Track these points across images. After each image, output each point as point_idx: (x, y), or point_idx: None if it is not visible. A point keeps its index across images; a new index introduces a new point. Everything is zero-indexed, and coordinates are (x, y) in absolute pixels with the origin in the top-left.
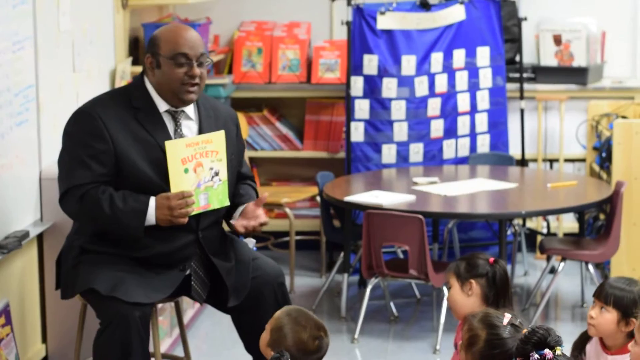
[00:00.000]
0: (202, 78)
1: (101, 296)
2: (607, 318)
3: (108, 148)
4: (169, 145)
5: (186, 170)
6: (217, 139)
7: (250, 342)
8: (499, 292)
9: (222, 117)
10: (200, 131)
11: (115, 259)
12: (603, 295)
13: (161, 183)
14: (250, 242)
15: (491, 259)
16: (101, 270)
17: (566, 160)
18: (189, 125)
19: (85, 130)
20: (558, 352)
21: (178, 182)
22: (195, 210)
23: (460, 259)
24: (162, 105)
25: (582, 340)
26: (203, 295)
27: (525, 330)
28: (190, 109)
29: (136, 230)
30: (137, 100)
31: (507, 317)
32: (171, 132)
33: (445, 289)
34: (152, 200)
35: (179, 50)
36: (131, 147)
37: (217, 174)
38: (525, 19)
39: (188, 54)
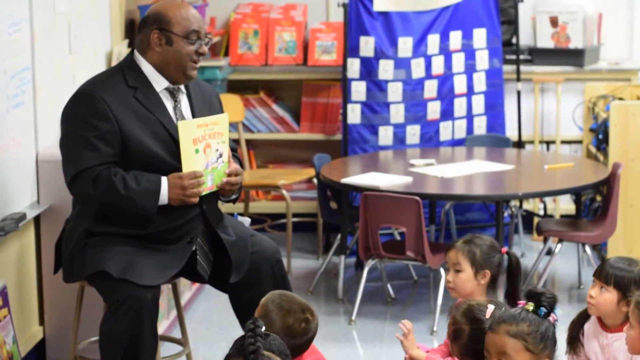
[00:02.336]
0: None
1: (111, 279)
2: (607, 298)
3: (113, 128)
4: (181, 125)
5: (197, 151)
6: (223, 121)
7: (247, 321)
8: (513, 282)
9: (207, 93)
10: (192, 106)
11: (123, 239)
12: (603, 275)
13: (169, 159)
14: (246, 221)
15: (503, 249)
16: (110, 252)
17: (563, 142)
18: (184, 101)
19: (89, 111)
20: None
21: (190, 162)
22: (204, 190)
23: (469, 242)
24: (161, 83)
25: (581, 320)
26: (208, 270)
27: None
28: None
29: (151, 211)
30: (132, 80)
31: (490, 309)
32: (170, 110)
33: (442, 270)
34: (164, 180)
35: (192, 28)
36: (135, 126)
37: (221, 155)
38: (522, 0)
39: (199, 32)
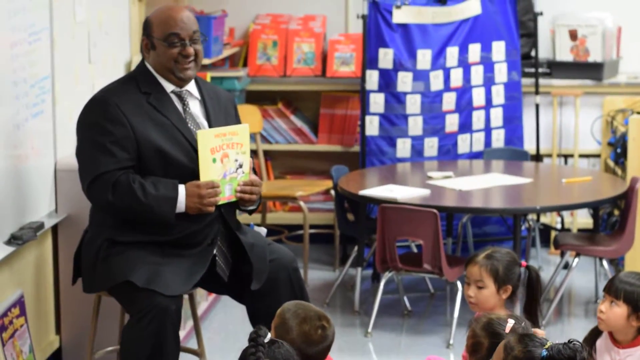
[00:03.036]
0: (198, 54)
1: (136, 288)
2: (617, 312)
3: (128, 133)
4: (200, 134)
5: (214, 160)
6: (242, 131)
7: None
8: (532, 297)
9: (223, 99)
10: (206, 110)
11: (146, 247)
12: (613, 290)
13: (186, 162)
14: (262, 231)
15: (523, 263)
16: (135, 262)
17: (581, 156)
18: (196, 105)
19: (103, 117)
20: None
21: (207, 171)
22: (221, 200)
23: (491, 257)
24: (168, 86)
25: (592, 336)
26: (227, 271)
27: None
28: (193, 89)
29: (168, 217)
30: (144, 85)
31: (510, 324)
32: (181, 112)
33: (459, 283)
34: (182, 188)
35: (170, 31)
36: (151, 130)
37: (241, 166)
38: (541, 13)
39: (180, 34)
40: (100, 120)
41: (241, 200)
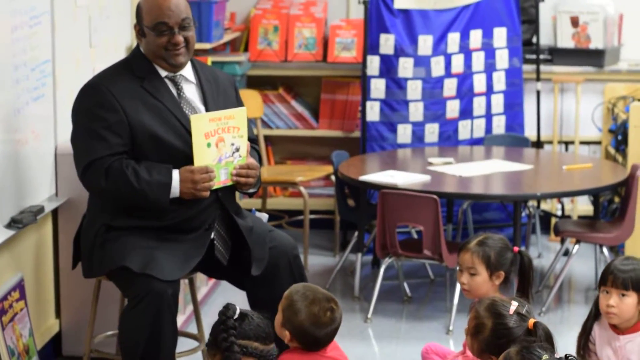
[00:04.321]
0: (189, 41)
1: (132, 273)
2: (629, 303)
3: (121, 118)
4: (193, 119)
5: (209, 145)
6: (239, 115)
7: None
8: (525, 282)
9: (221, 82)
10: (203, 94)
11: (142, 232)
12: (620, 282)
13: (180, 146)
14: (264, 217)
15: (515, 248)
16: (131, 247)
17: (582, 143)
18: (191, 89)
19: (95, 103)
20: None
21: (201, 155)
22: (216, 184)
23: (483, 244)
24: (162, 71)
25: (586, 329)
26: (226, 255)
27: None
28: (189, 73)
29: (162, 203)
30: (139, 70)
31: (513, 306)
32: (176, 96)
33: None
34: (176, 173)
35: (158, 20)
36: (143, 114)
37: (237, 149)
38: (543, 0)
39: (168, 23)
40: (92, 106)
41: (237, 184)
